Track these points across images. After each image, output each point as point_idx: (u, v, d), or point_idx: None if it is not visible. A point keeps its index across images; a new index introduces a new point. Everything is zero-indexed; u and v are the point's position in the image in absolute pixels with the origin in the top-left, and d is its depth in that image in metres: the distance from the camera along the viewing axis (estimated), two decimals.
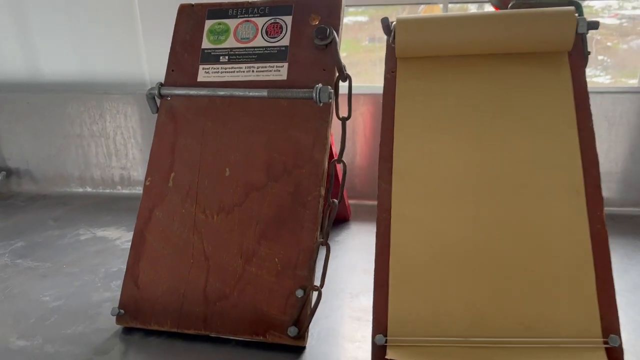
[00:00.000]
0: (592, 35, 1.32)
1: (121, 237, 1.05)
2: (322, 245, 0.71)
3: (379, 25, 0.78)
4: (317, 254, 0.70)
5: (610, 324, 0.60)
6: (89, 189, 1.31)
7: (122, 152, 1.26)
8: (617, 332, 0.59)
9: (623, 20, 1.25)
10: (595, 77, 1.32)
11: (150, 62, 1.31)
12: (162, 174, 0.78)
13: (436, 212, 0.68)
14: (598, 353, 0.59)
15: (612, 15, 1.28)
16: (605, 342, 0.59)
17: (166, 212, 0.77)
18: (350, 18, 1.45)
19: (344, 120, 0.76)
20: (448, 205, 0.68)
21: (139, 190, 1.28)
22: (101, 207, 1.23)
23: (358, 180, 1.18)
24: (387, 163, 0.73)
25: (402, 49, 0.76)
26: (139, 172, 1.27)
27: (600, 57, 1.31)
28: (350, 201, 1.17)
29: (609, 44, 1.31)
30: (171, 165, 0.78)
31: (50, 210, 1.23)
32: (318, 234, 0.71)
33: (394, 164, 0.72)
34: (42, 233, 1.10)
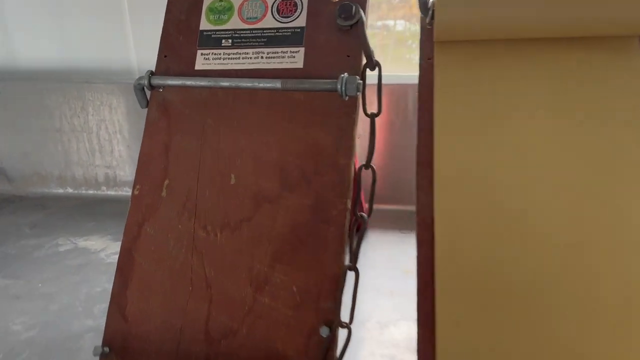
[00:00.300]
0: None
1: (106, 249, 0.91)
2: (350, 270, 0.59)
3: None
4: (345, 282, 0.57)
5: None
6: (70, 190, 1.17)
7: (106, 148, 1.12)
8: None
9: None
10: None
11: (139, 47, 1.17)
12: (154, 181, 0.65)
13: (494, 232, 0.55)
14: None
15: None
16: None
17: (159, 228, 0.64)
18: None
19: (373, 117, 0.63)
20: (506, 224, 0.56)
21: (126, 191, 1.14)
22: (83, 210, 1.09)
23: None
24: (427, 170, 0.60)
25: (443, 31, 0.63)
26: (126, 172, 1.13)
27: None
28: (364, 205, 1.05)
29: None
30: (165, 171, 0.65)
31: (27, 215, 1.09)
32: (345, 257, 0.59)
33: (436, 171, 0.60)
34: (17, 242, 0.96)
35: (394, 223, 0.84)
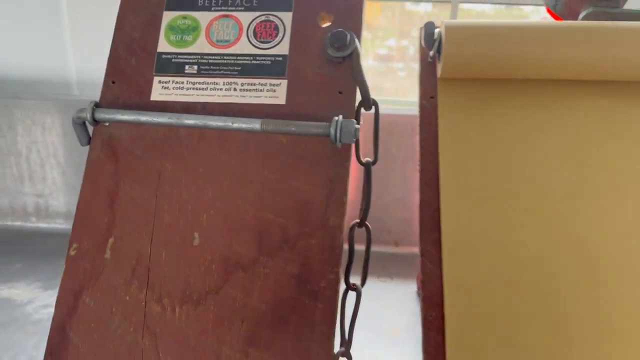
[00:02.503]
0: None
1: (34, 300, 0.76)
2: (343, 356, 0.48)
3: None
4: None
5: None
6: None
7: (38, 174, 0.97)
8: None
9: None
10: None
11: (78, 57, 1.02)
12: (95, 239, 0.53)
13: (514, 308, 0.47)
14: None
15: None
16: None
17: (101, 300, 0.51)
18: None
19: (369, 166, 0.53)
20: (530, 298, 0.47)
21: (60, 224, 0.99)
22: (9, 247, 0.93)
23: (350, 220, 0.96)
24: (433, 232, 0.51)
25: (450, 67, 0.54)
26: (60, 202, 0.98)
27: None
28: None
29: None
30: (109, 227, 0.53)
31: None
32: (335, 340, 0.48)
33: (443, 235, 0.50)
34: None
35: (372, 268, 0.71)
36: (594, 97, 0.54)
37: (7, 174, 0.98)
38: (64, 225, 0.98)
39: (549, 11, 0.67)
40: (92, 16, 1.03)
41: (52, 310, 0.68)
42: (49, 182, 0.98)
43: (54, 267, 0.83)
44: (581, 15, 0.61)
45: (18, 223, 1.01)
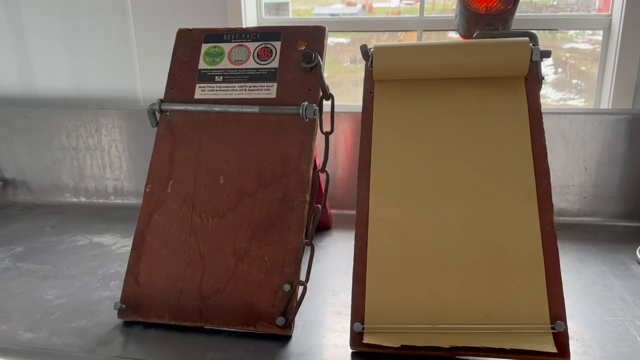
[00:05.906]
0: (566, 59, 1.42)
1: (117, 243, 1.11)
2: (307, 245, 0.79)
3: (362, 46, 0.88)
4: (303, 253, 0.78)
5: (557, 312, 0.69)
6: (83, 199, 1.38)
7: (116, 164, 1.33)
8: (563, 319, 0.69)
9: (596, 46, 1.33)
10: (570, 99, 1.39)
11: (144, 80, 1.39)
12: (162, 181, 0.86)
13: (408, 215, 0.77)
14: (546, 337, 0.68)
15: (586, 41, 1.39)
16: (552, 328, 0.68)
17: (165, 216, 0.84)
18: (332, 39, 1.53)
19: (327, 135, 0.85)
20: (418, 209, 0.77)
21: (132, 200, 1.34)
22: (95, 216, 1.29)
23: (339, 191, 1.27)
24: (365, 173, 0.82)
25: (379, 73, 0.85)
26: (132, 184, 1.34)
27: (574, 81, 1.39)
28: (332, 210, 1.26)
29: (582, 68, 1.40)
30: (170, 174, 0.86)
31: (47, 219, 1.29)
32: (303, 235, 0.79)
33: (371, 174, 0.81)
34: (41, 239, 1.16)
35: (354, 224, 1.04)
36: (472, 87, 0.84)
37: (94, 164, 1.34)
38: (134, 201, 1.32)
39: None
40: (153, 55, 1.39)
41: (128, 248, 1.02)
42: (123, 169, 1.34)
43: (127, 226, 1.16)
44: (474, 35, 0.91)
45: (101, 200, 1.37)
